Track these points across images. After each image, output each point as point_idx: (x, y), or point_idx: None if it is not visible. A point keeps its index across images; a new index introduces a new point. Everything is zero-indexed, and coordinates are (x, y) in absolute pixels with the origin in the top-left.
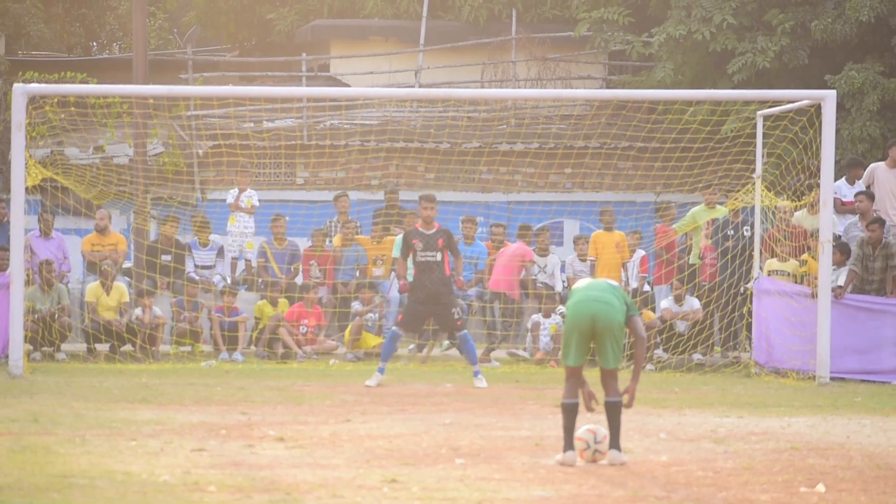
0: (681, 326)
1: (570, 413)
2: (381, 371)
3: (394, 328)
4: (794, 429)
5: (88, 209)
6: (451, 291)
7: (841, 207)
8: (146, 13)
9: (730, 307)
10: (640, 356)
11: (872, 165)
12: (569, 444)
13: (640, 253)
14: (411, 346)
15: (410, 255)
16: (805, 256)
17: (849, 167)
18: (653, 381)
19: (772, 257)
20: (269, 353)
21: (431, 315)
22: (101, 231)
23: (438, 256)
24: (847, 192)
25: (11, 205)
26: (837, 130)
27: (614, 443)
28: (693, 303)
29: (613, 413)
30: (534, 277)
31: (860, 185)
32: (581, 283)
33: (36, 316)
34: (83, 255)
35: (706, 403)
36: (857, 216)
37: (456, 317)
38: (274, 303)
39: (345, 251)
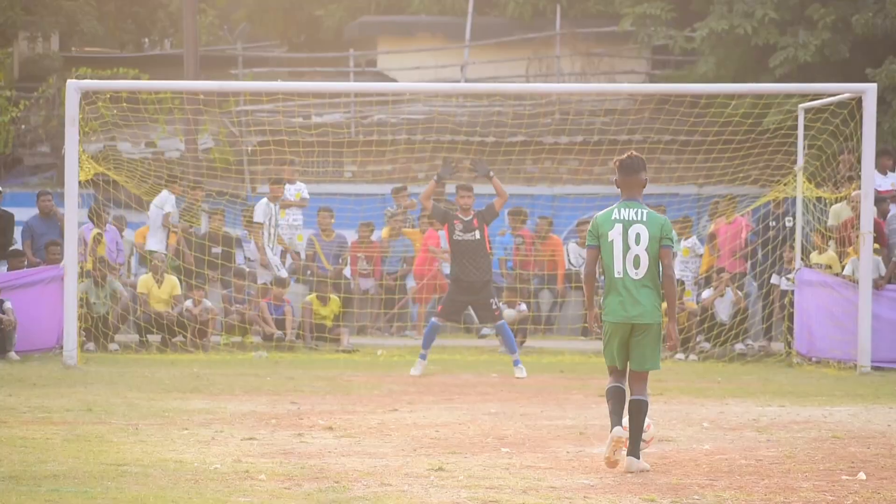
0: (723, 316)
1: (613, 396)
2: (424, 357)
3: (433, 319)
4: (836, 418)
5: (139, 204)
6: (490, 280)
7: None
8: (196, 10)
9: (770, 298)
10: (670, 295)
11: None
12: (616, 423)
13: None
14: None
15: (447, 234)
16: (850, 249)
17: (878, 156)
18: (696, 371)
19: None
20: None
21: (470, 304)
22: None
23: (477, 235)
24: (879, 181)
25: (66, 198)
26: (878, 123)
27: (633, 449)
28: (731, 293)
29: (636, 413)
30: (577, 269)
31: (893, 175)
32: (615, 232)
33: (94, 314)
34: (135, 248)
35: (748, 393)
36: None
37: (494, 307)
38: (324, 301)
39: (392, 243)
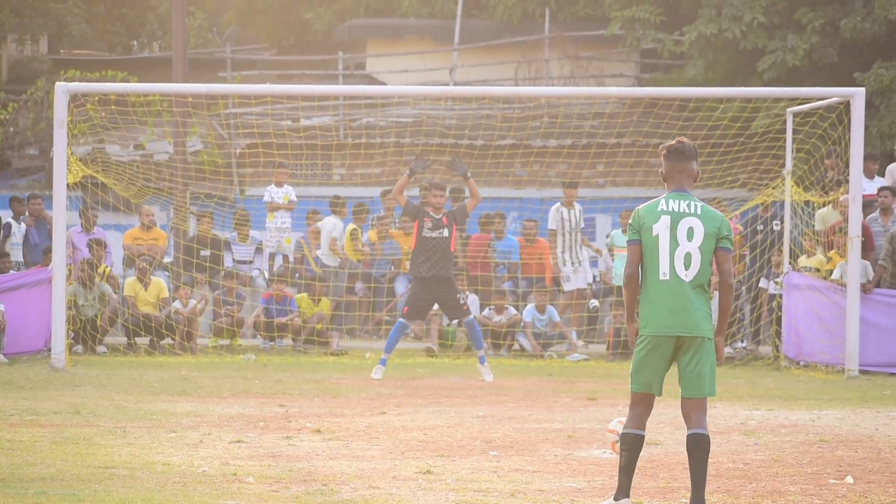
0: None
1: (630, 446)
2: (384, 363)
3: (400, 319)
4: (824, 421)
5: (127, 207)
6: (452, 276)
7: None
8: (186, 13)
9: (759, 301)
10: (725, 306)
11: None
12: (624, 489)
13: None
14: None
15: (415, 230)
16: (832, 253)
17: (864, 161)
18: None
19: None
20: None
21: (436, 302)
22: (146, 228)
23: (445, 233)
24: (864, 185)
25: (54, 201)
26: (866, 127)
27: (697, 498)
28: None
29: (699, 452)
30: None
31: (879, 180)
32: (661, 229)
33: (82, 317)
34: (124, 249)
35: (736, 396)
36: (878, 211)
37: (461, 302)
38: (315, 301)
39: (381, 246)
